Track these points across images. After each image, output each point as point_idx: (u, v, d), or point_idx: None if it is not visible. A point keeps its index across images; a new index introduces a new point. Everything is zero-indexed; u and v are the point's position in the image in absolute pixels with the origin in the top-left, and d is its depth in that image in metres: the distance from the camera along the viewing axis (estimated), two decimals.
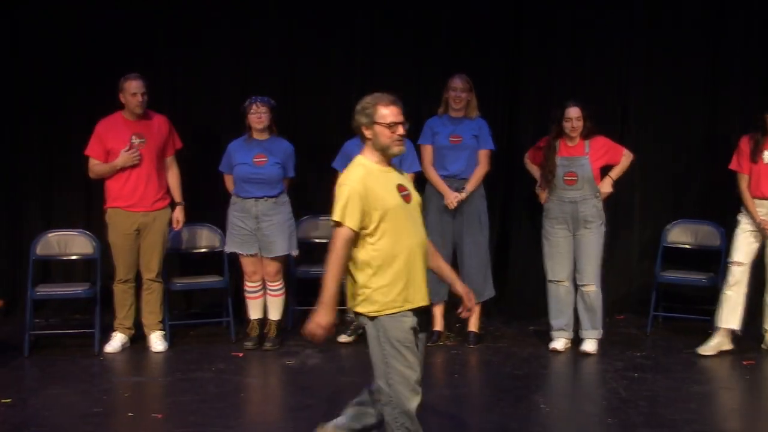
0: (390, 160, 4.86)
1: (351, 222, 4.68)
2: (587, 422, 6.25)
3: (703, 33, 8.67)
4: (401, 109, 4.80)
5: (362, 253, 4.73)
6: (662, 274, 8.33)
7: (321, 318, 4.73)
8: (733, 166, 7.68)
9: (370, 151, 4.82)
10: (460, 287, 5.00)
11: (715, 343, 7.53)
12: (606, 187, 7.64)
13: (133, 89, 7.57)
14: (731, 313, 7.51)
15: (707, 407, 6.55)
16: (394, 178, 4.83)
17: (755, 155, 7.50)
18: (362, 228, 4.69)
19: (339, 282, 4.74)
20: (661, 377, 7.07)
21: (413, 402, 4.77)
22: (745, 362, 7.39)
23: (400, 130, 4.78)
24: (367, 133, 4.80)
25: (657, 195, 8.71)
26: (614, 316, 8.70)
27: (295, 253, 7.96)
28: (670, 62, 8.70)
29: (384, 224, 4.70)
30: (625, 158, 7.74)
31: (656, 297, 8.36)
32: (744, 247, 7.56)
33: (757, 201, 7.52)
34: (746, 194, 7.57)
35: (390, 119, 4.75)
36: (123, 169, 7.62)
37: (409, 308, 4.76)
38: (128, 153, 7.59)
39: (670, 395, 6.68)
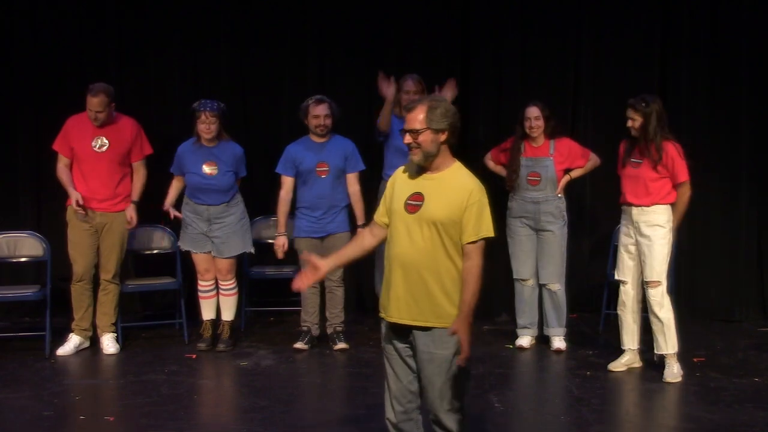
0: (431, 165, 4.56)
1: (376, 214, 4.74)
2: (541, 420, 6.29)
3: (652, 38, 8.80)
4: (418, 116, 4.51)
5: None
6: (613, 273, 8.38)
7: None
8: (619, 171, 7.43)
9: None
10: (453, 323, 4.62)
11: (626, 360, 7.28)
12: (560, 186, 7.70)
13: (90, 106, 7.52)
14: (626, 333, 7.23)
15: (659, 404, 6.61)
16: (420, 185, 4.56)
17: (624, 161, 7.15)
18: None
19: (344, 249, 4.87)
20: (613, 375, 7.12)
21: (387, 412, 4.74)
22: (695, 359, 7.48)
23: (407, 138, 4.55)
24: None
25: (607, 195, 8.77)
26: (567, 315, 8.77)
27: (251, 250, 7.94)
28: (619, 67, 8.80)
29: (390, 226, 4.65)
30: (590, 163, 7.82)
31: (607, 296, 8.43)
32: (623, 266, 7.17)
33: (624, 207, 7.15)
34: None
35: (404, 126, 4.60)
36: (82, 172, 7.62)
37: (383, 316, 4.70)
38: (79, 209, 7.56)
39: (622, 393, 6.74)
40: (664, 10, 8.80)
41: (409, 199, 4.56)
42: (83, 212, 7.58)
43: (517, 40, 8.85)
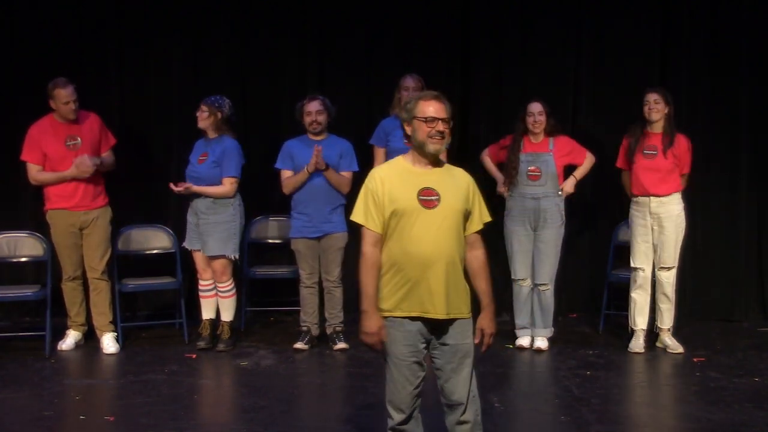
0: (432, 160, 4.62)
1: (373, 224, 4.57)
2: (541, 420, 6.29)
3: (652, 38, 8.80)
4: (445, 107, 4.62)
5: (382, 252, 4.60)
6: (613, 273, 8.41)
7: (364, 325, 4.56)
8: (623, 165, 7.88)
9: (411, 151, 4.66)
10: (480, 321, 4.70)
11: (642, 339, 7.75)
12: (569, 186, 7.76)
13: (64, 98, 7.55)
14: (639, 315, 7.76)
15: (659, 404, 6.61)
16: (426, 180, 4.59)
17: (636, 154, 7.63)
18: (386, 229, 4.57)
19: (373, 284, 4.56)
20: (613, 375, 7.13)
21: (395, 418, 4.66)
22: (695, 359, 7.48)
23: (439, 126, 4.57)
24: (408, 130, 4.65)
25: (608, 194, 8.78)
26: (567, 315, 8.79)
27: (233, 256, 7.79)
28: (619, 67, 8.79)
29: (394, 226, 4.55)
30: (587, 161, 7.88)
31: (608, 295, 8.43)
32: (641, 254, 7.70)
33: (640, 199, 7.65)
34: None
35: (429, 114, 4.57)
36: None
37: (406, 315, 4.57)
38: (85, 166, 7.53)
39: (622, 393, 6.74)
40: (664, 10, 8.81)
41: (420, 194, 4.56)
42: (91, 165, 7.57)
43: (517, 40, 8.85)
